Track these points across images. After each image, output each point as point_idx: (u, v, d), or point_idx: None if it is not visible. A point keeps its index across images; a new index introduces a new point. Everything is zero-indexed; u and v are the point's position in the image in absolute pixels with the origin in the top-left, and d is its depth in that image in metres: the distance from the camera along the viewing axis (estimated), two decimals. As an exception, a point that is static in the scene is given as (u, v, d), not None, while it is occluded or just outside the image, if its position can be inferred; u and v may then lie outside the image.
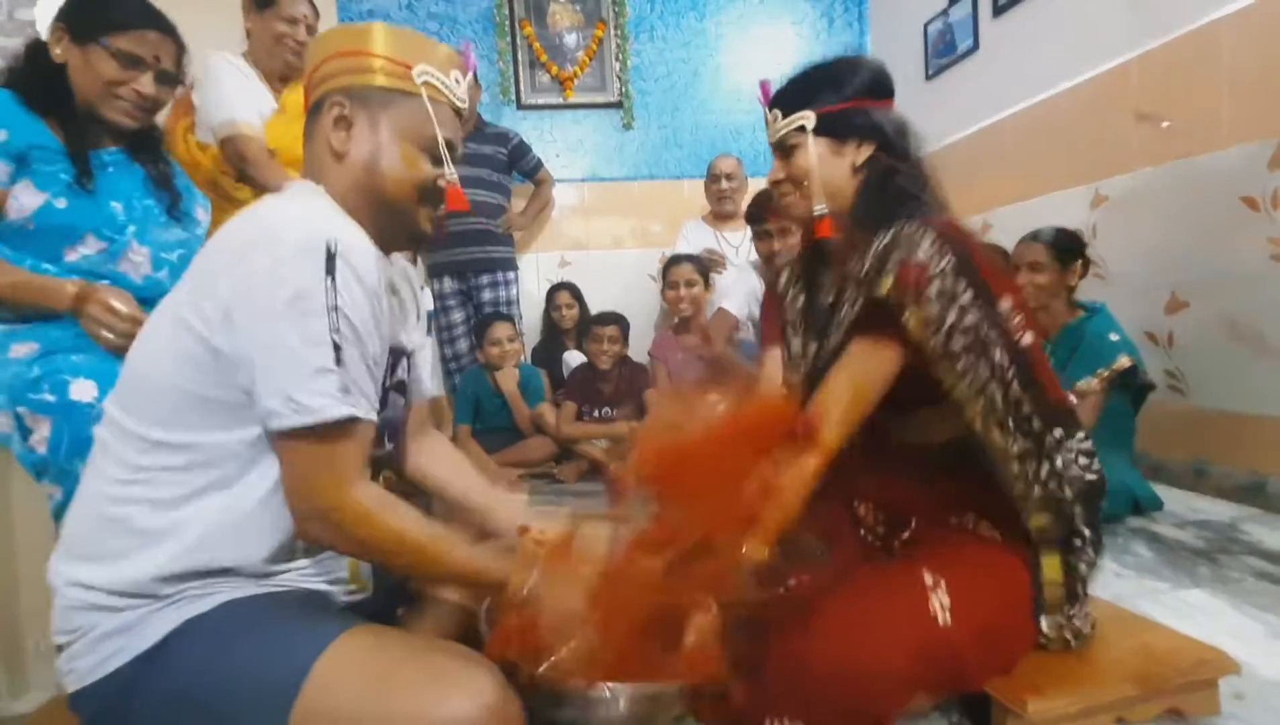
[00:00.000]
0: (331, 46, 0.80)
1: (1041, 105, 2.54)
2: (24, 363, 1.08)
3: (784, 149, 0.95)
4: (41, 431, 1.02)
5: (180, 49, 1.23)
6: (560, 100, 3.48)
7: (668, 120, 3.59)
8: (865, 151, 0.93)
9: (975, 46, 2.90)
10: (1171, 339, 2.05)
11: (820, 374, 0.91)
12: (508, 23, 3.39)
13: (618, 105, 3.52)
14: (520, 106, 3.44)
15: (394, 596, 0.91)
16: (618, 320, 2.72)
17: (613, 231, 3.58)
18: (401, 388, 0.89)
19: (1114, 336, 1.81)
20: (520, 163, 3.07)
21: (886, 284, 0.81)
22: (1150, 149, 2.10)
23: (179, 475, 0.70)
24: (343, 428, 0.67)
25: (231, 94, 1.66)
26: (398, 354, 0.86)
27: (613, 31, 3.48)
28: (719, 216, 3.08)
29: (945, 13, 3.05)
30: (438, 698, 0.63)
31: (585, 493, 2.30)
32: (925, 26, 3.18)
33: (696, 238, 3.05)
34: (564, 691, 0.78)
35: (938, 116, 3.01)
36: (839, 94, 0.92)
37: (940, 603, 0.81)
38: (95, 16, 1.15)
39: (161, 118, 1.35)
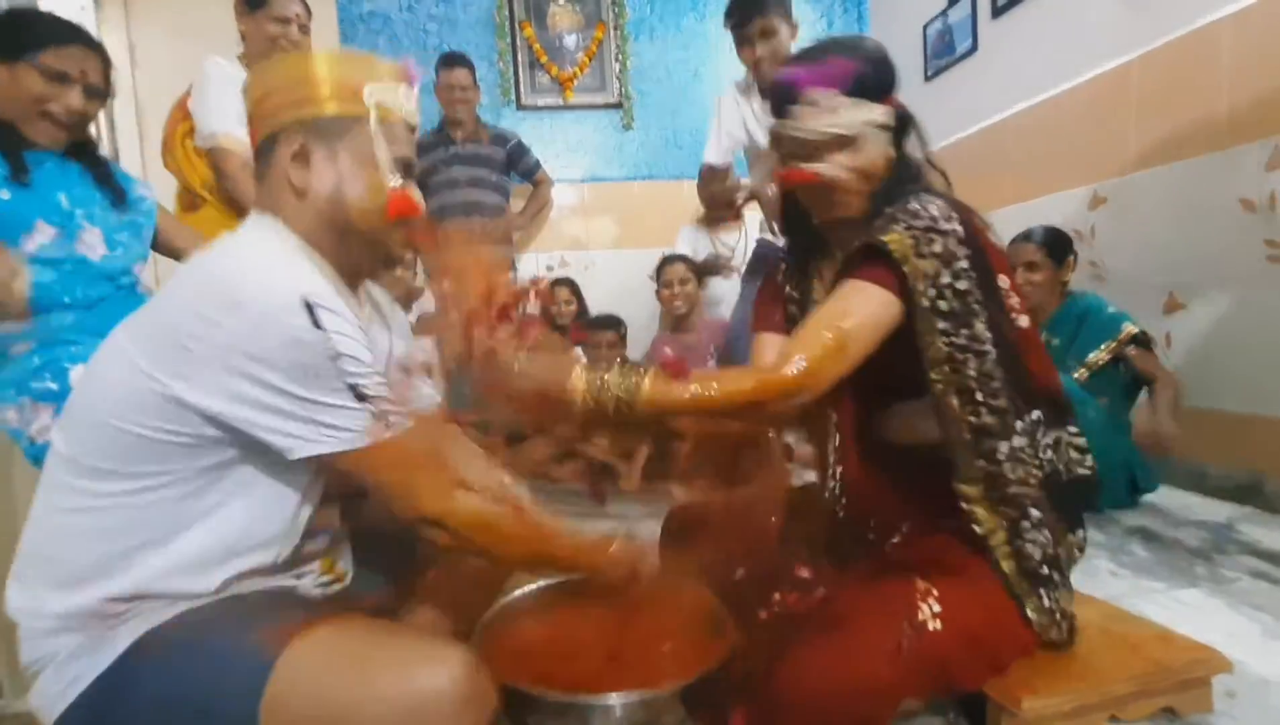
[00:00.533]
0: (275, 79, 0.77)
1: (1040, 106, 2.55)
2: (25, 356, 1.10)
3: (845, 142, 0.88)
4: (42, 420, 1.03)
5: (106, 63, 1.25)
6: (560, 101, 3.49)
7: (667, 121, 3.59)
8: (897, 147, 0.92)
9: (974, 48, 2.90)
10: (1169, 340, 2.05)
11: None
12: (508, 24, 3.40)
13: (617, 106, 3.53)
14: (520, 107, 3.45)
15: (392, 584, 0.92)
16: (614, 325, 2.75)
17: (612, 232, 3.59)
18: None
19: (1112, 309, 1.90)
20: (519, 164, 3.08)
21: (893, 234, 0.82)
22: (1148, 150, 2.10)
23: (123, 503, 0.70)
24: (398, 437, 0.72)
25: (217, 105, 1.68)
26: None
27: (612, 33, 3.48)
28: (713, 218, 3.09)
29: (944, 14, 3.05)
30: (409, 675, 0.65)
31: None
32: (924, 28, 3.19)
33: (693, 243, 3.07)
34: (563, 701, 0.80)
35: (937, 117, 3.01)
36: (893, 87, 0.91)
37: (930, 610, 0.80)
38: (20, 35, 1.17)
39: (158, 121, 1.36)
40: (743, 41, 2.01)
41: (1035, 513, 0.85)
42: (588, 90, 3.51)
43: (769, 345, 1.04)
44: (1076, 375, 1.85)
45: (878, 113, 0.89)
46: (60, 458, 0.72)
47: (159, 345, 0.68)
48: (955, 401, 0.83)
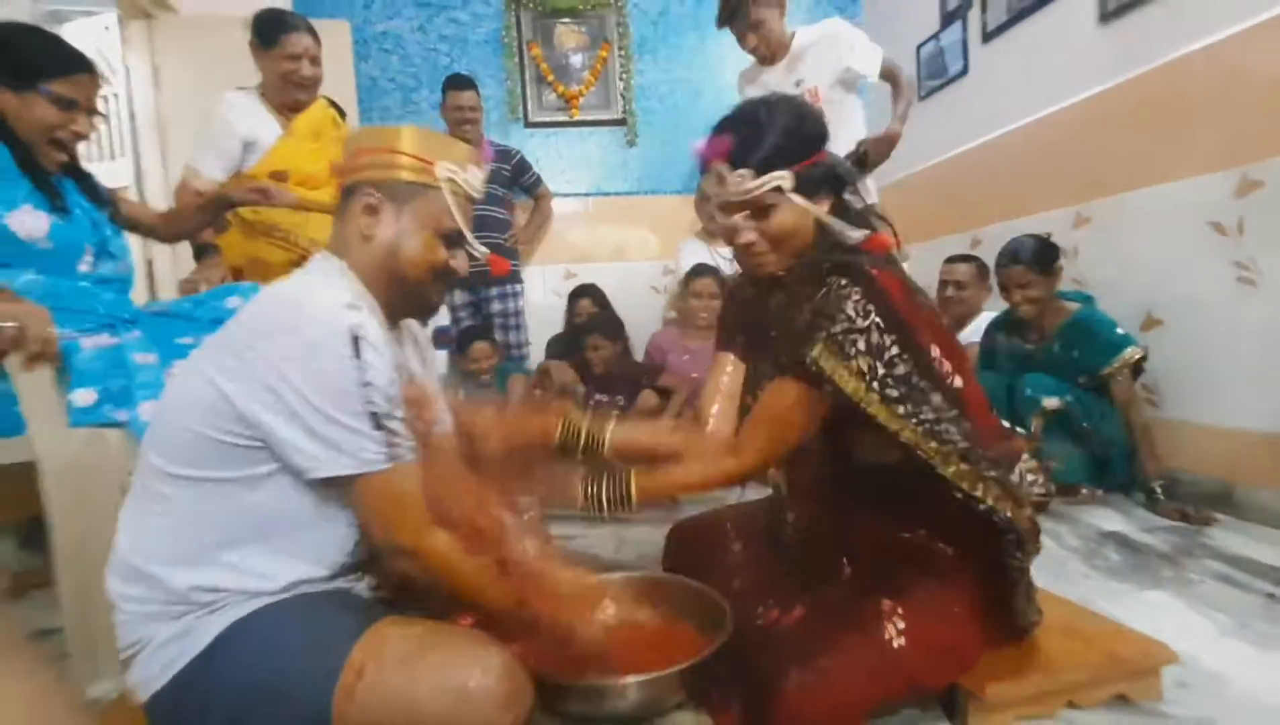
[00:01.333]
0: (365, 143, 0.92)
1: (1027, 128, 2.66)
2: (157, 365, 1.24)
3: (757, 208, 0.94)
4: None
5: (99, 86, 1.33)
6: (566, 117, 3.62)
7: (669, 137, 3.71)
8: (828, 202, 0.97)
9: (965, 70, 3.02)
10: (1147, 355, 2.16)
11: (753, 392, 1.03)
12: (516, 44, 3.52)
13: (621, 122, 3.65)
14: (528, 124, 3.57)
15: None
16: (601, 328, 2.91)
17: (616, 244, 3.71)
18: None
19: (1120, 330, 2.03)
20: (521, 179, 3.20)
21: (815, 349, 0.89)
22: (1127, 174, 2.21)
23: (200, 503, 0.80)
24: (398, 474, 0.81)
25: (205, 144, 1.89)
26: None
27: (617, 52, 3.60)
28: (712, 233, 3.20)
29: (937, 36, 3.17)
30: (459, 672, 0.76)
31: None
32: (919, 48, 3.31)
33: (696, 255, 3.19)
34: (574, 685, 0.91)
35: (930, 135, 3.13)
36: (807, 148, 0.94)
37: (895, 628, 0.90)
38: (31, 65, 1.23)
39: (180, 141, 1.49)
40: (739, 36, 2.29)
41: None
42: (593, 107, 3.63)
43: (724, 365, 1.17)
44: (1082, 381, 2.04)
45: (775, 180, 0.92)
46: (148, 464, 0.83)
47: (224, 353, 0.80)
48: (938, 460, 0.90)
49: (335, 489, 0.82)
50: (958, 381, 0.93)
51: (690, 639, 1.07)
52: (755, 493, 1.24)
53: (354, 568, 0.89)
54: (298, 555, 0.84)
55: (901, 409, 0.88)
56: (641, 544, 1.82)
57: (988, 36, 2.85)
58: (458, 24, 3.51)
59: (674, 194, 3.69)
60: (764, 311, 1.08)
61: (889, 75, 2.21)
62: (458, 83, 2.93)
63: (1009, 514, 0.90)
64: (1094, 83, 2.34)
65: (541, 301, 3.49)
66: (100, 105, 1.34)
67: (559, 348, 3.29)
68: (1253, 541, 1.70)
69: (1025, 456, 0.97)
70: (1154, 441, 1.98)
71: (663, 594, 1.20)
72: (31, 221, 1.20)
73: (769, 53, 2.29)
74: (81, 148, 1.38)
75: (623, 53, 3.61)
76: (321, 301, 0.80)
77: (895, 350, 0.88)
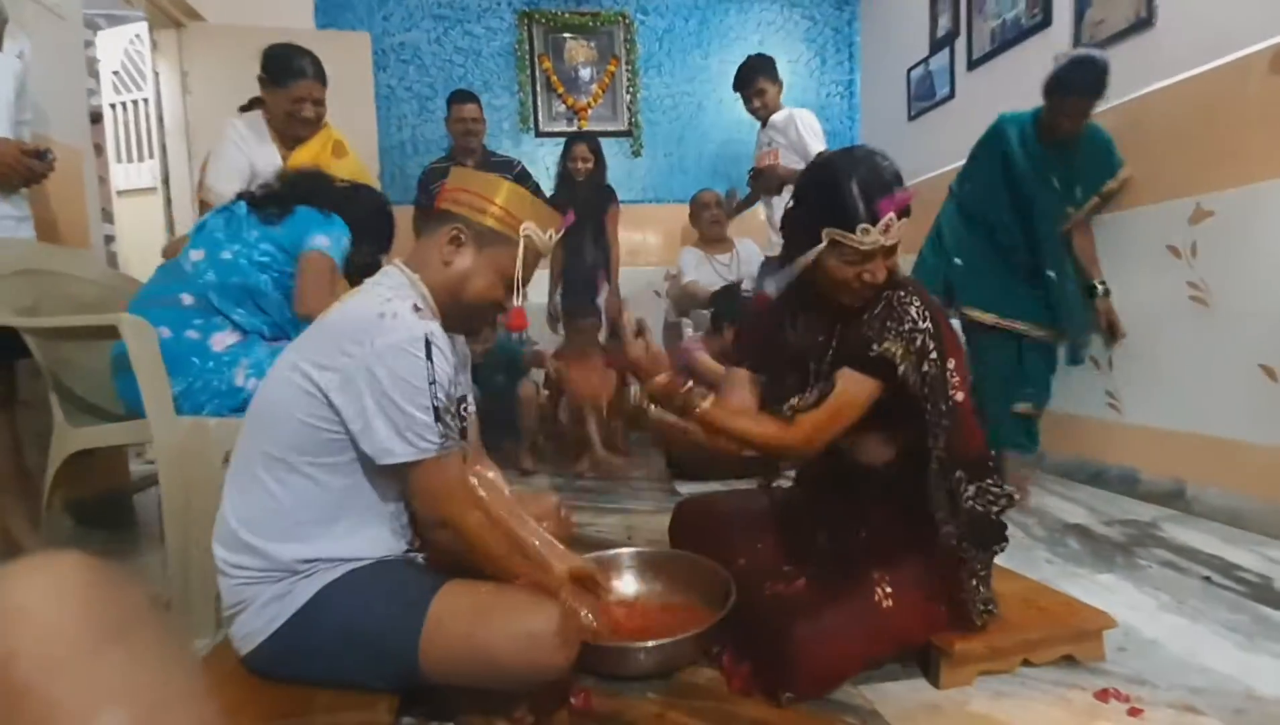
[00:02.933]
0: (468, 184, 1.07)
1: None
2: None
3: (890, 251, 1.11)
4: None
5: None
6: (575, 128, 3.78)
7: (674, 148, 3.89)
8: None
9: (952, 94, 3.21)
10: (1110, 362, 2.37)
11: (775, 400, 1.21)
12: (528, 57, 3.68)
13: (628, 134, 3.82)
14: (539, 134, 3.73)
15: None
16: (593, 312, 3.09)
17: (622, 249, 3.86)
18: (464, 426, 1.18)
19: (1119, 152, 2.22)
20: None
21: (886, 342, 1.09)
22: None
23: (299, 485, 0.94)
24: (448, 460, 0.96)
25: (220, 165, 2.05)
26: (460, 402, 1.15)
27: (624, 67, 3.78)
28: (708, 241, 3.39)
29: (926, 61, 3.37)
30: (525, 620, 0.91)
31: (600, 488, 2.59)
32: (909, 71, 3.50)
33: (694, 261, 3.39)
34: (600, 647, 1.08)
35: (918, 154, 3.33)
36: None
37: (884, 592, 1.11)
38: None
39: (207, 144, 1.75)
40: (746, 98, 3.02)
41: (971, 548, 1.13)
42: (601, 119, 3.79)
43: (740, 379, 1.31)
44: (1078, 209, 2.24)
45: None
46: (255, 449, 0.97)
47: (320, 352, 0.94)
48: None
49: (400, 473, 0.95)
50: (959, 396, 1.12)
51: (697, 610, 1.26)
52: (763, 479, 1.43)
53: (410, 542, 1.05)
54: (370, 529, 0.99)
55: (928, 405, 1.09)
56: (650, 532, 1.99)
57: (973, 64, 3.05)
58: (473, 37, 3.66)
59: (676, 202, 3.86)
60: (782, 332, 1.27)
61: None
62: (463, 97, 3.07)
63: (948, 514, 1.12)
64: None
65: (542, 300, 3.61)
66: (129, 110, 1.57)
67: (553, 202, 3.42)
68: (1199, 534, 1.90)
69: (989, 480, 1.14)
70: (1098, 257, 2.30)
71: (671, 569, 1.38)
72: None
73: (765, 115, 2.99)
74: (110, 149, 1.61)
75: (630, 67, 3.78)
76: (402, 312, 0.94)
77: (935, 355, 1.10)
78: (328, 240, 1.53)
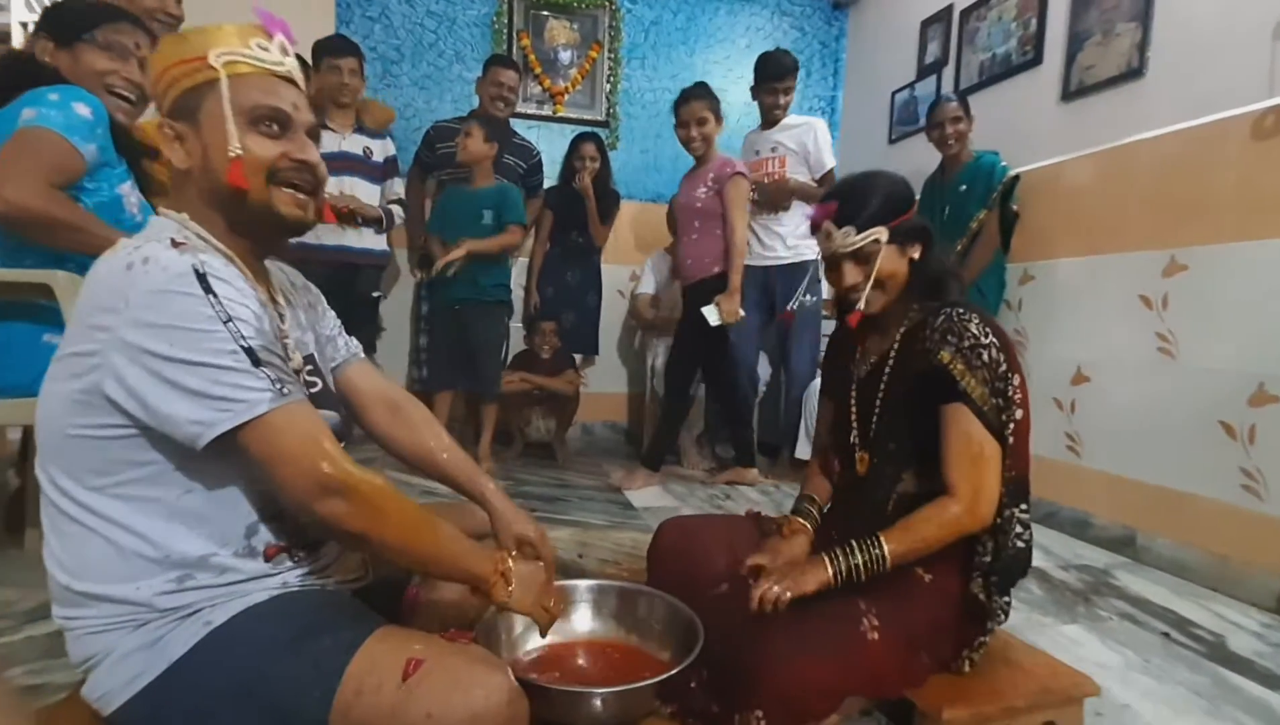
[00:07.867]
0: (149, 83, 0.83)
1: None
2: None
3: (861, 257, 1.14)
4: None
5: (153, 38, 1.35)
6: (549, 112, 3.60)
7: (650, 145, 3.76)
8: (918, 249, 1.16)
9: (934, 123, 3.20)
10: (1074, 406, 2.38)
11: (839, 431, 1.16)
12: (506, 31, 3.48)
13: (604, 125, 3.66)
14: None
15: (392, 588, 1.00)
16: (557, 317, 3.12)
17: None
18: (316, 369, 0.93)
19: (1003, 162, 2.51)
20: (531, 179, 3.13)
21: (945, 356, 1.05)
22: (1071, 242, 2.43)
23: (102, 508, 0.73)
24: (294, 409, 0.71)
25: None
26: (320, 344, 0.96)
27: (606, 54, 3.62)
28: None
29: (912, 86, 3.35)
30: (460, 696, 0.70)
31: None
32: (893, 95, 3.48)
33: (662, 268, 3.26)
34: (551, 692, 0.93)
35: (896, 179, 3.30)
36: (898, 208, 1.15)
37: (870, 623, 1.02)
38: (74, 19, 1.28)
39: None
40: (761, 104, 2.87)
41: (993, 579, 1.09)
42: (577, 106, 3.63)
43: (827, 409, 1.33)
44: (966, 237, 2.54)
45: (874, 235, 1.12)
46: (55, 487, 0.74)
47: (76, 339, 0.71)
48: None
49: (235, 456, 0.71)
50: (1019, 413, 1.06)
51: (657, 657, 1.13)
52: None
53: (287, 549, 0.81)
54: (240, 541, 0.77)
55: (1004, 417, 1.05)
56: (604, 551, 1.86)
57: (959, 94, 3.03)
58: (449, 2, 3.43)
59: (649, 201, 3.73)
60: (852, 353, 1.26)
61: (829, 178, 2.78)
62: (503, 61, 2.94)
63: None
64: (1044, 156, 2.55)
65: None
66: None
67: (555, 196, 3.27)
68: (1151, 584, 1.91)
69: (1023, 505, 1.09)
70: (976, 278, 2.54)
71: (636, 607, 1.24)
72: (134, 197, 1.28)
73: (779, 117, 2.86)
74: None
75: (612, 56, 3.63)
76: (154, 253, 0.70)
77: (1003, 368, 1.05)
78: (34, 111, 1.20)
